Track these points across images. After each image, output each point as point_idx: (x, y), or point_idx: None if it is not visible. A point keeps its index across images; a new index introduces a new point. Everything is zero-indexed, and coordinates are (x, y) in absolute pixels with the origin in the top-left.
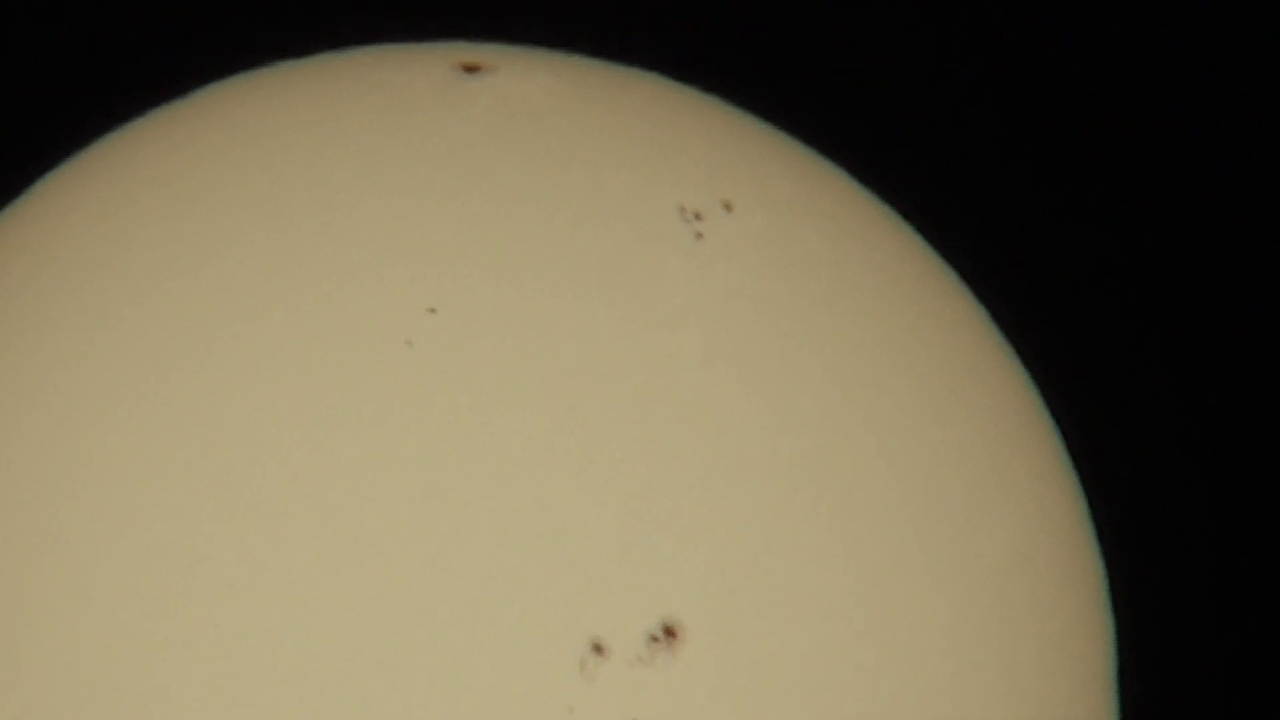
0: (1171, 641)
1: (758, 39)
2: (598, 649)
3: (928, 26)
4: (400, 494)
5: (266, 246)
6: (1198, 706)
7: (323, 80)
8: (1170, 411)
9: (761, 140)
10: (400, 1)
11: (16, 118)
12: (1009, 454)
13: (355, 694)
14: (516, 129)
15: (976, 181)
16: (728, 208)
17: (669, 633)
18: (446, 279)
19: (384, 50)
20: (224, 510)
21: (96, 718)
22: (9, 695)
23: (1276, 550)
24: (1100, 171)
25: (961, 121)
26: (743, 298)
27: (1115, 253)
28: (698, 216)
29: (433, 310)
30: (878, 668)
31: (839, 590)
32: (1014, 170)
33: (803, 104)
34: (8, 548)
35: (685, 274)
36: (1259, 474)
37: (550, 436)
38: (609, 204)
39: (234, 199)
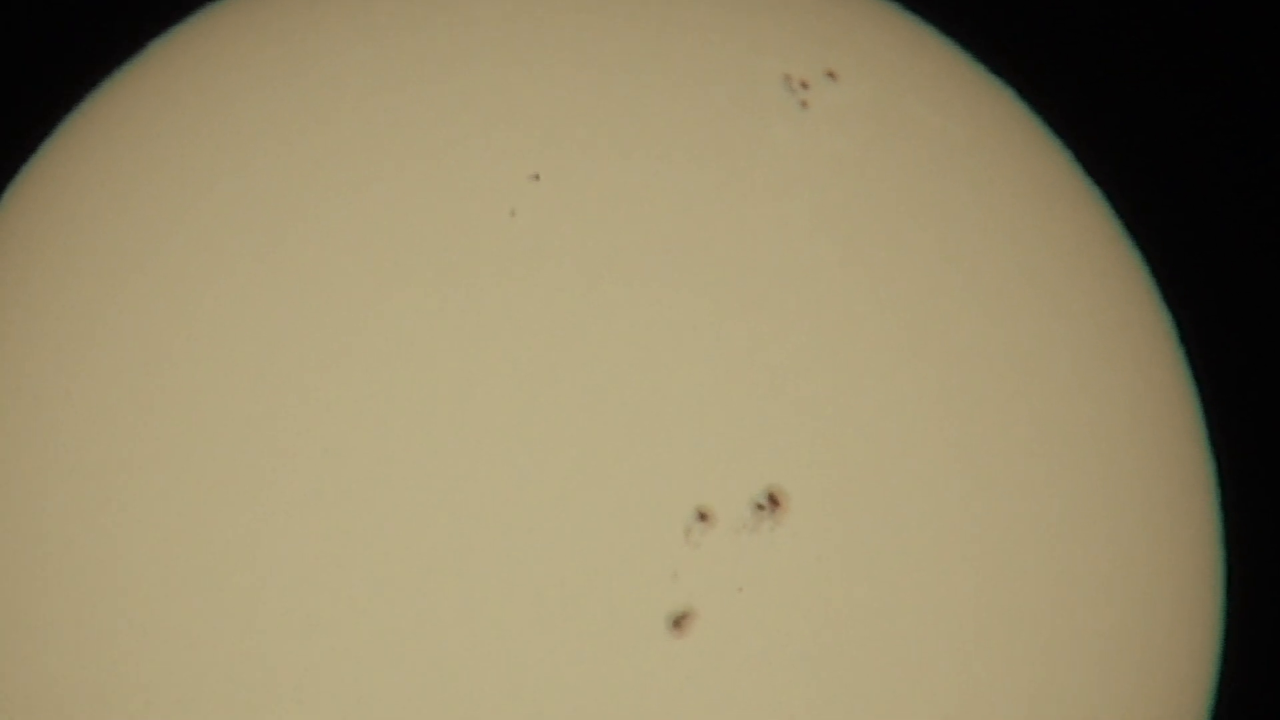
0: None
1: None
2: (702, 516)
3: None
4: (504, 365)
5: (367, 116)
6: None
7: None
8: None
9: (867, 9)
10: None
11: None
12: (1117, 329)
13: (454, 557)
14: None
15: (1084, 51)
16: (833, 77)
17: (774, 501)
18: (550, 147)
19: None
20: (330, 373)
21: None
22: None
23: None
24: (1216, 44)
25: None
26: (848, 167)
27: (1234, 130)
28: (803, 85)
29: (536, 178)
30: (982, 536)
31: (944, 459)
32: (1125, 40)
33: None
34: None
35: (790, 143)
36: None
37: (655, 305)
38: (713, 72)
39: (335, 69)
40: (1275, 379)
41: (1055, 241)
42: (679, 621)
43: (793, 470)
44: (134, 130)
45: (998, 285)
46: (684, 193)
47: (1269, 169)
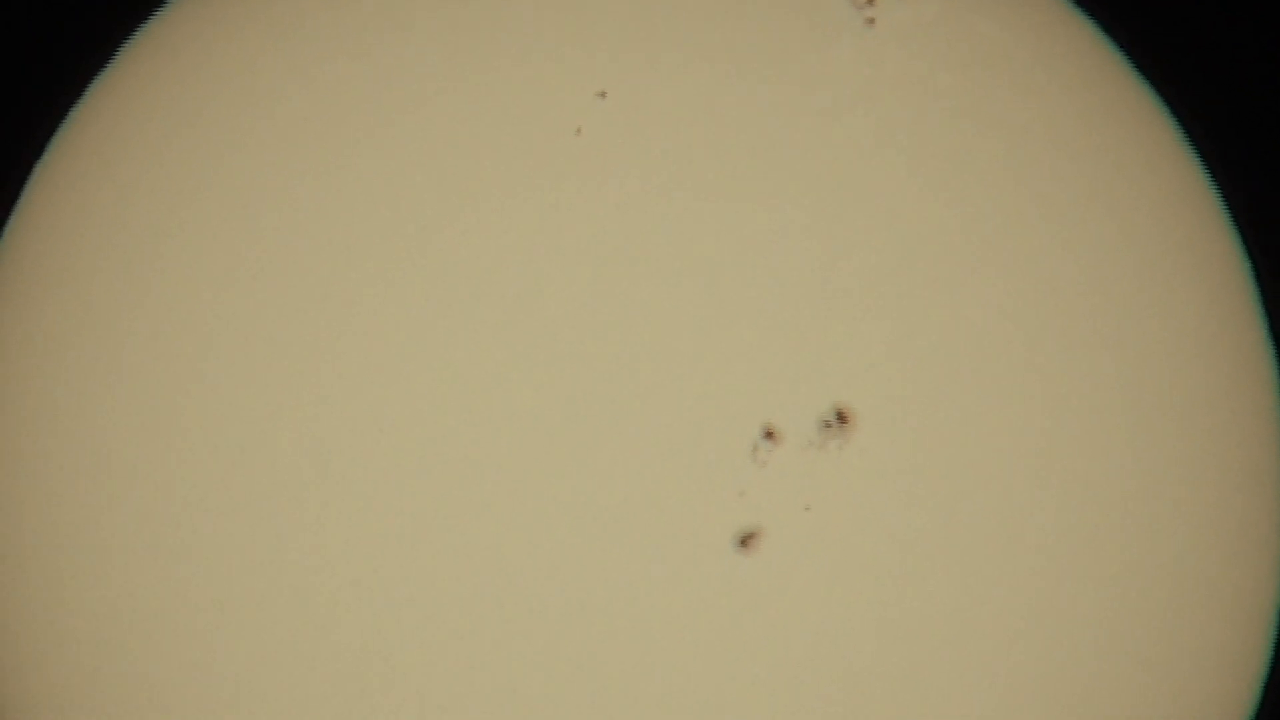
0: None
1: None
2: (769, 434)
3: None
4: (569, 282)
5: (434, 33)
6: None
7: None
8: None
9: None
10: None
11: None
12: (1180, 241)
13: (525, 476)
14: None
15: None
16: None
17: (841, 418)
18: (616, 64)
19: None
20: (395, 284)
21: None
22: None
23: None
24: None
25: None
26: (914, 84)
27: None
28: (870, 2)
29: (603, 95)
30: (1047, 450)
31: (1010, 374)
32: None
33: None
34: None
35: (856, 60)
36: None
37: (722, 223)
38: None
39: None
40: None
41: (1119, 156)
42: (746, 540)
43: (860, 388)
44: (203, 44)
45: (1062, 201)
46: (749, 109)
47: None
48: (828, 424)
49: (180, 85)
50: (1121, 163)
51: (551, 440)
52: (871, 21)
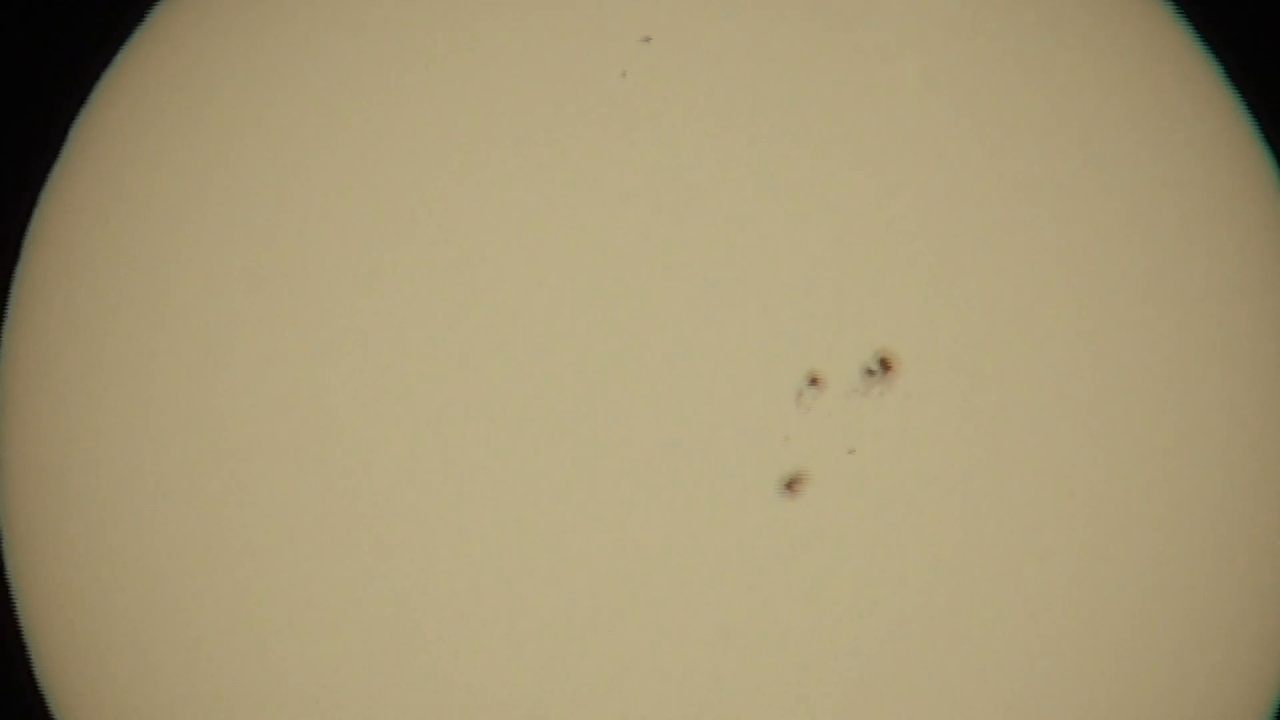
0: None
1: None
2: (813, 381)
3: None
4: (612, 227)
5: None
6: None
7: None
8: None
9: None
10: None
11: None
12: (1224, 188)
13: (575, 410)
14: None
15: None
16: None
17: (885, 365)
18: (661, 8)
19: None
20: (432, 234)
21: None
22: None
23: None
24: None
25: None
26: (960, 28)
27: None
28: None
29: (647, 40)
30: (1089, 397)
31: (1052, 322)
32: None
33: None
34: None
35: (902, 3)
36: None
37: (766, 168)
38: None
39: None
40: None
41: (1164, 98)
42: (791, 484)
43: (903, 334)
44: (222, 29)
45: (1108, 143)
46: (794, 55)
47: None
48: (871, 371)
49: (203, 67)
50: (1174, 114)
51: (597, 386)
52: None
